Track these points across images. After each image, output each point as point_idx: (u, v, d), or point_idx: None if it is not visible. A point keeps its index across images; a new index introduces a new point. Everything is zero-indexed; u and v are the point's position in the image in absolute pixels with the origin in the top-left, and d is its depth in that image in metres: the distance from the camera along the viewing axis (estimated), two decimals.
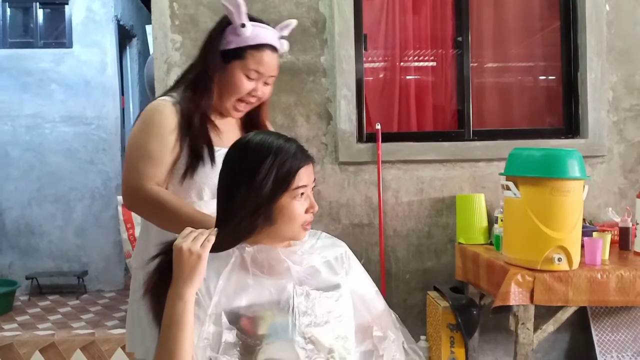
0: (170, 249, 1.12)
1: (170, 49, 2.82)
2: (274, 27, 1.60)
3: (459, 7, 3.05)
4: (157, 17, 2.82)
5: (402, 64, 3.15)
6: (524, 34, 3.24)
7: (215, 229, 1.17)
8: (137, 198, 1.50)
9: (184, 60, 2.81)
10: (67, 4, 4.67)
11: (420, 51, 3.15)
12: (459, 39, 3.04)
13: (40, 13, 4.76)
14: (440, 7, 3.12)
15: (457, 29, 3.07)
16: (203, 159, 1.52)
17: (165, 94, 1.63)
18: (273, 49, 1.57)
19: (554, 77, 3.18)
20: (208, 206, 1.49)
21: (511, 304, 2.10)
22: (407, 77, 3.17)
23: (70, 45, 4.67)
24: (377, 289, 1.36)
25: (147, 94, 4.05)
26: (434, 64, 3.17)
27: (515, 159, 2.21)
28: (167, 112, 1.53)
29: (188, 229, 1.15)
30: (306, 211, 1.22)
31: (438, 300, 2.63)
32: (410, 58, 3.17)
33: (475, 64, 3.11)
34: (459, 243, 2.76)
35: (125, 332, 1.67)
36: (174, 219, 1.43)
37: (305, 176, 1.20)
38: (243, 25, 1.51)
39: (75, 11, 4.67)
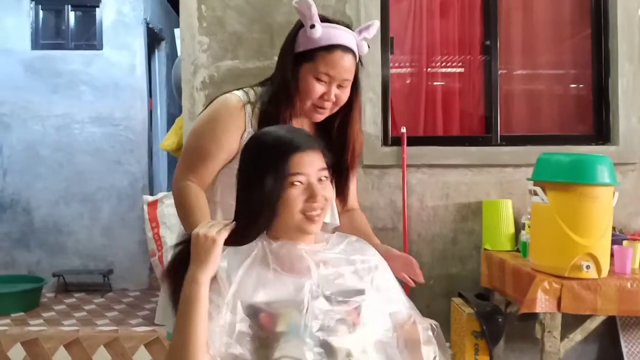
0: (190, 238, 1.18)
1: (198, 51, 2.84)
2: (352, 28, 1.57)
3: (487, 11, 3.01)
4: (185, 19, 2.85)
5: (429, 69, 3.12)
6: (553, 40, 3.18)
7: (233, 221, 1.21)
8: (173, 187, 1.56)
9: (210, 62, 2.83)
10: (98, 6, 4.76)
11: (448, 56, 3.12)
12: (487, 42, 3.00)
13: (71, 15, 4.85)
14: (468, 11, 3.08)
15: (485, 33, 3.04)
16: None
17: (243, 88, 1.62)
18: (346, 50, 1.52)
19: (583, 84, 3.12)
20: None
21: (537, 311, 2.06)
22: (434, 82, 3.14)
23: (100, 48, 4.76)
24: (405, 299, 1.32)
25: (175, 96, 4.09)
26: (462, 69, 3.14)
27: (543, 164, 2.18)
28: (234, 112, 1.54)
29: (207, 221, 1.22)
30: (306, 201, 1.20)
31: (462, 306, 2.59)
32: (438, 64, 3.14)
33: (505, 71, 3.07)
34: (485, 249, 2.72)
35: (148, 330, 1.70)
36: (184, 220, 1.49)
37: (300, 164, 1.18)
38: (312, 27, 1.49)
39: (105, 14, 4.75)
